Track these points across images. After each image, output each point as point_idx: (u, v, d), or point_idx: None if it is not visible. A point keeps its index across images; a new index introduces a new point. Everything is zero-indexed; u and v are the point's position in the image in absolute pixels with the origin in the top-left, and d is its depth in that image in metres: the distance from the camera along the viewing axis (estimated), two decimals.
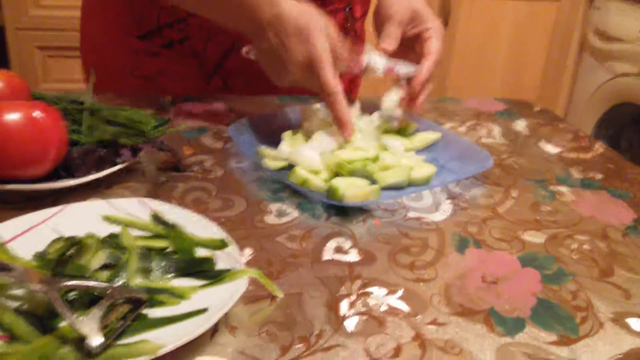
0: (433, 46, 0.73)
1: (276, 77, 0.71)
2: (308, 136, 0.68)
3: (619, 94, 2.02)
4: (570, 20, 2.18)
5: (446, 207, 0.61)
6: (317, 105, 0.74)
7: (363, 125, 0.70)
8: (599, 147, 0.80)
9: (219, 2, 0.72)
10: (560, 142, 0.81)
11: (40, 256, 0.46)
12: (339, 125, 0.66)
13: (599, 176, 0.71)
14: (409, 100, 0.73)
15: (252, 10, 0.66)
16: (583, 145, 0.81)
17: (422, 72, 0.72)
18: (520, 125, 0.87)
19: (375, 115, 0.73)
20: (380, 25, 0.77)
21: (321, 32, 0.64)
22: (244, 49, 0.73)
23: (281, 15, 0.64)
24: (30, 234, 0.49)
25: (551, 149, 0.79)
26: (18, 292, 0.43)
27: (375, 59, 0.72)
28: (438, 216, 0.59)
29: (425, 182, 0.64)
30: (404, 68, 0.73)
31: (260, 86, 0.90)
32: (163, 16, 0.85)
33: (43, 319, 0.41)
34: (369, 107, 0.81)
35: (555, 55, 2.24)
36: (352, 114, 0.73)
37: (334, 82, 0.64)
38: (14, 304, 0.42)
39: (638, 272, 0.52)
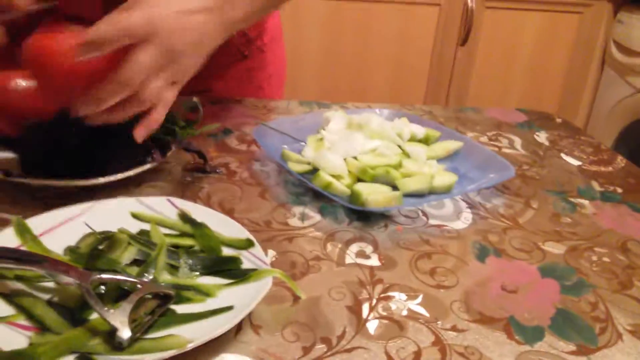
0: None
1: None
2: (331, 141, 0.69)
3: (639, 109, 2.00)
4: (592, 33, 2.17)
5: (467, 216, 0.62)
6: (340, 111, 0.75)
7: (386, 132, 0.71)
8: (620, 161, 0.81)
9: None
10: (582, 154, 0.82)
11: (72, 250, 0.48)
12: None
13: (620, 190, 0.71)
14: None
15: None
16: (604, 158, 0.81)
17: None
18: (542, 136, 0.87)
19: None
20: None
21: None
22: None
23: None
24: (62, 229, 0.50)
25: (572, 161, 0.79)
26: (49, 284, 0.45)
27: None
28: (459, 224, 0.60)
29: (446, 191, 0.64)
30: None
31: None
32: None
33: (73, 311, 0.42)
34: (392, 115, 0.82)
35: (577, 67, 2.23)
36: (376, 121, 0.74)
37: None
38: (45, 296, 0.44)
39: None
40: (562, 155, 0.81)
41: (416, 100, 2.21)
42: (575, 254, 0.56)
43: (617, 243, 0.59)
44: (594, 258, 0.56)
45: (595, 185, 0.72)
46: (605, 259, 0.56)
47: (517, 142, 0.84)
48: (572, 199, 0.67)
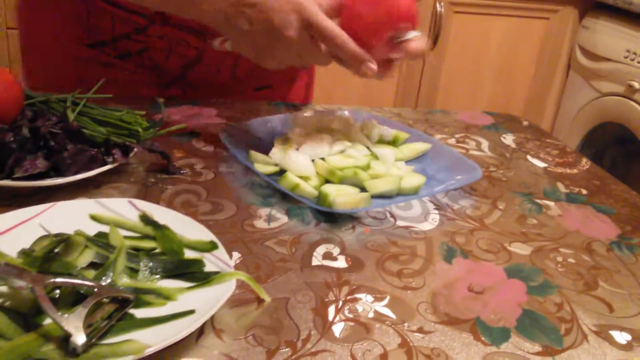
0: None
1: (267, 57, 0.66)
2: (299, 142, 0.69)
3: (604, 113, 2.05)
4: (558, 38, 2.21)
5: (434, 217, 0.61)
6: (308, 112, 0.74)
7: (354, 134, 0.71)
8: (585, 163, 0.81)
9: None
10: (547, 157, 0.82)
11: (26, 253, 0.46)
12: (357, 61, 0.62)
13: (585, 191, 0.72)
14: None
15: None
16: (569, 160, 0.82)
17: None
18: (508, 139, 0.88)
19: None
20: None
21: None
22: (216, 42, 0.70)
23: None
24: (17, 231, 0.48)
25: (538, 163, 0.80)
26: (0, 288, 0.43)
27: None
28: (426, 226, 0.60)
29: (414, 192, 0.64)
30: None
31: (221, 93, 0.90)
32: (119, 26, 0.81)
33: (26, 316, 0.40)
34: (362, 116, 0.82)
35: (543, 72, 2.27)
36: (345, 122, 0.73)
37: (332, 25, 0.61)
38: None
39: (621, 286, 0.53)
40: (529, 157, 0.81)
41: (386, 102, 2.21)
42: (541, 254, 0.56)
43: (582, 244, 0.59)
44: (560, 259, 0.56)
45: (561, 187, 0.73)
46: (571, 260, 0.56)
47: (485, 144, 0.85)
48: (538, 201, 0.68)
